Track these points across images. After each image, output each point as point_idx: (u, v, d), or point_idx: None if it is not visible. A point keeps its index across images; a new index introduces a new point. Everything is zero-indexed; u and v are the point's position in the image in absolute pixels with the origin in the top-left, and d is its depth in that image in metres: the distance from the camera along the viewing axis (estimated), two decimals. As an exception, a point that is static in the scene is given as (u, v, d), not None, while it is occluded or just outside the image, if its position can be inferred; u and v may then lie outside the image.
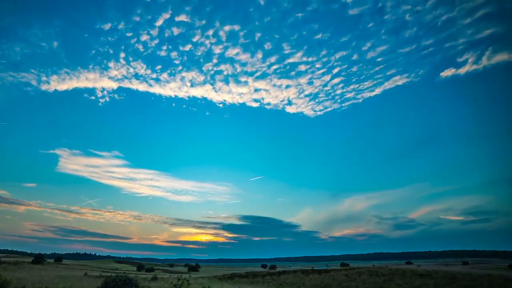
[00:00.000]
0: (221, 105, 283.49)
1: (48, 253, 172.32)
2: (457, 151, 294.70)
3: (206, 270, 77.89)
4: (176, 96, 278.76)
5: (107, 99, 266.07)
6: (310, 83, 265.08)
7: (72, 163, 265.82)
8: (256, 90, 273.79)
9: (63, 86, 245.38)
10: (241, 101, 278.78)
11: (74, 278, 26.17)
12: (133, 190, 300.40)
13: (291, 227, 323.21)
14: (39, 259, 50.48)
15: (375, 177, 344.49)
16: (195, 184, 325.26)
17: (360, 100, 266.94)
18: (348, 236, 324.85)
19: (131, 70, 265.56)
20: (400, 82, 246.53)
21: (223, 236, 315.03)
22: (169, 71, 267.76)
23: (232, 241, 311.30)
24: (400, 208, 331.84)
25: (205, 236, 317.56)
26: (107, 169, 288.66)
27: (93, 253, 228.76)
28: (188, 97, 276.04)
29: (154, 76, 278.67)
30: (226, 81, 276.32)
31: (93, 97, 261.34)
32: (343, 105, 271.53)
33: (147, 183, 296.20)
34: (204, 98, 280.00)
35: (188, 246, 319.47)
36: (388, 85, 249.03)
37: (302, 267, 62.04)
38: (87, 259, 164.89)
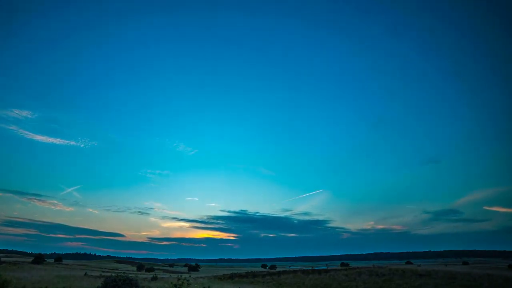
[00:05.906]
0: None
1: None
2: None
3: (206, 270, 77.88)
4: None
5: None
6: None
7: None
8: None
9: None
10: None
11: (74, 278, 26.17)
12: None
13: (295, 223, 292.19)
14: (39, 259, 50.49)
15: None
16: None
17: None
18: (365, 231, 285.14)
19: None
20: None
21: (223, 232, 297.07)
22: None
23: (232, 237, 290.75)
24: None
25: (201, 233, 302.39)
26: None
27: (93, 253, 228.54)
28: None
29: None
30: None
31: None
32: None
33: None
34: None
35: (185, 244, 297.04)
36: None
37: (302, 267, 62.09)
38: (87, 259, 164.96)
